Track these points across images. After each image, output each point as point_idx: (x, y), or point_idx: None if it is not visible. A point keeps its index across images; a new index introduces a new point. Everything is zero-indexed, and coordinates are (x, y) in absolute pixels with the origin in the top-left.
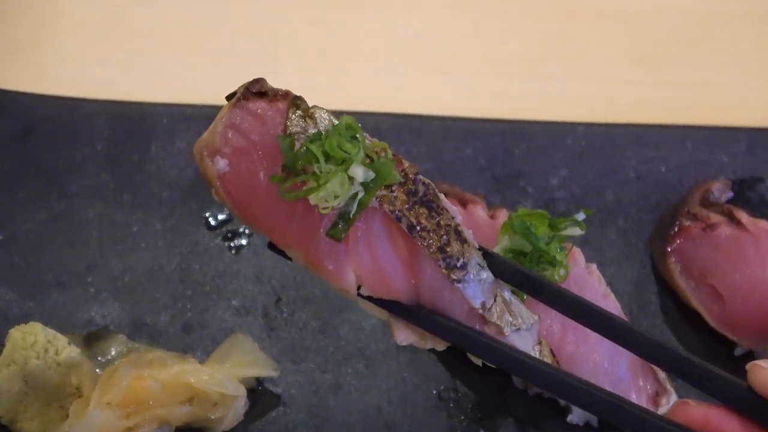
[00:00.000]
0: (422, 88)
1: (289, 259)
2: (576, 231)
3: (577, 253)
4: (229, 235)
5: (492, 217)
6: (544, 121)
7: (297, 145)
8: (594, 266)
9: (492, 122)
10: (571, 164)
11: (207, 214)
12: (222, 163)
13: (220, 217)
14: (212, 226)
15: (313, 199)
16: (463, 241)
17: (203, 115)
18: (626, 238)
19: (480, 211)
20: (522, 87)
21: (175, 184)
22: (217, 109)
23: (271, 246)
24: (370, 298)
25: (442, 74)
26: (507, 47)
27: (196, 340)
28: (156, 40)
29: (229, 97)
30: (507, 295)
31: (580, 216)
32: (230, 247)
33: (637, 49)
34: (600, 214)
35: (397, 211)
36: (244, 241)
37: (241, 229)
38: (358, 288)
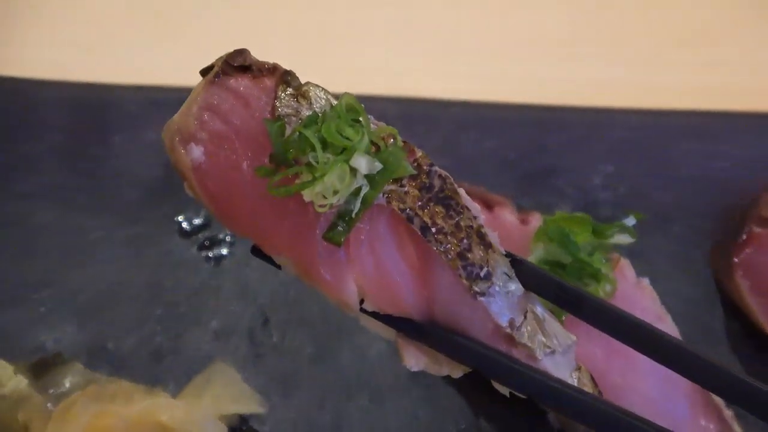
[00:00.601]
0: (437, 69)
1: (278, 267)
2: (624, 239)
3: (626, 266)
4: (207, 243)
5: (523, 222)
6: (583, 107)
7: (288, 130)
8: (646, 281)
9: (521, 108)
10: (617, 159)
11: (180, 219)
12: (197, 152)
13: (196, 221)
14: (187, 232)
15: (307, 195)
16: (487, 245)
17: (177, 100)
18: (683, 247)
19: (508, 215)
20: (555, 70)
21: (143, 182)
22: None
23: (256, 251)
24: (375, 314)
25: (461, 54)
26: (537, 25)
27: (167, 370)
28: (122, 14)
29: (204, 72)
30: (540, 311)
31: (629, 221)
32: (208, 258)
33: (684, 27)
34: (652, 219)
35: (408, 210)
36: (224, 251)
37: (222, 236)
38: (361, 302)
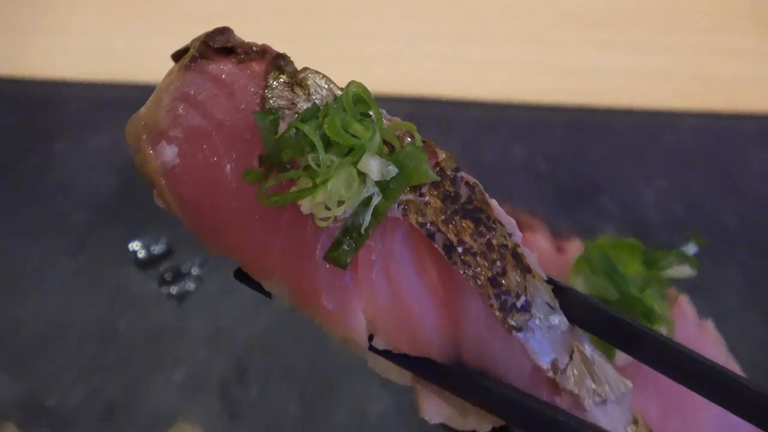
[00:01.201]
0: (454, 62)
1: (268, 295)
2: (683, 271)
3: (685, 304)
4: (169, 276)
5: (559, 249)
6: (631, 108)
7: (282, 125)
8: (709, 323)
9: (556, 110)
10: (673, 171)
11: (136, 246)
12: (170, 152)
13: (156, 249)
14: (144, 261)
15: (306, 205)
16: (525, 269)
17: (137, 99)
18: (754, 280)
19: (541, 240)
20: (595, 59)
21: (92, 199)
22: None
23: (241, 275)
24: (387, 354)
25: (482, 43)
26: (572, 3)
27: (121, 431)
28: None
29: (177, 56)
30: (588, 350)
31: (689, 248)
32: (172, 295)
33: (762, 6)
34: (717, 246)
35: (429, 225)
36: (191, 285)
37: (187, 267)
38: (370, 338)
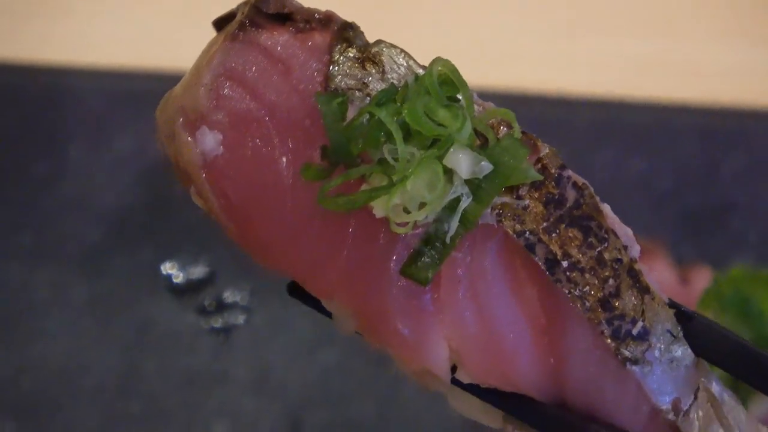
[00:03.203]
0: (559, 54)
1: (328, 315)
2: None
3: None
4: (212, 305)
5: (683, 280)
6: None
7: (351, 110)
8: None
9: (681, 112)
10: None
11: (170, 267)
12: (212, 140)
13: (195, 271)
14: (179, 288)
15: (380, 208)
16: (644, 289)
17: (163, 90)
18: None
19: (662, 269)
20: (731, 54)
21: (111, 214)
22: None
23: (295, 290)
24: (474, 389)
25: (593, 35)
26: None
27: None
28: None
29: (219, 24)
30: (717, 389)
31: None
32: (214, 329)
33: None
34: None
35: (528, 234)
36: (237, 318)
37: (233, 294)
38: (453, 370)
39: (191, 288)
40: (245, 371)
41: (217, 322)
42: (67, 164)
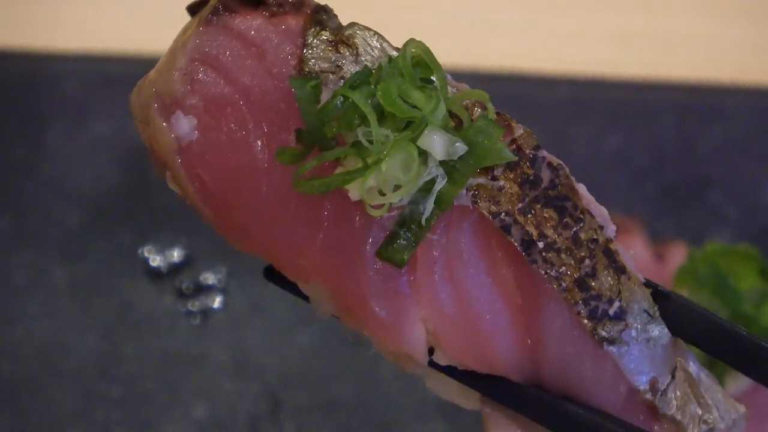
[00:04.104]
0: (533, 31)
1: (305, 298)
2: None
3: None
4: (188, 288)
5: (659, 256)
6: (753, 87)
7: (326, 93)
8: None
9: (658, 88)
10: None
11: (147, 251)
12: (186, 125)
13: (173, 254)
14: (157, 271)
15: (355, 190)
16: (620, 269)
17: (141, 73)
18: None
19: (638, 246)
20: (709, 28)
21: (90, 198)
22: None
23: (272, 274)
24: (451, 371)
25: (569, 9)
26: None
27: None
28: None
29: (193, 9)
30: (694, 368)
31: None
32: (191, 312)
33: None
34: None
35: (503, 215)
36: (216, 300)
37: (211, 277)
38: (431, 352)
39: (169, 271)
40: (224, 353)
41: (195, 305)
42: (45, 149)
